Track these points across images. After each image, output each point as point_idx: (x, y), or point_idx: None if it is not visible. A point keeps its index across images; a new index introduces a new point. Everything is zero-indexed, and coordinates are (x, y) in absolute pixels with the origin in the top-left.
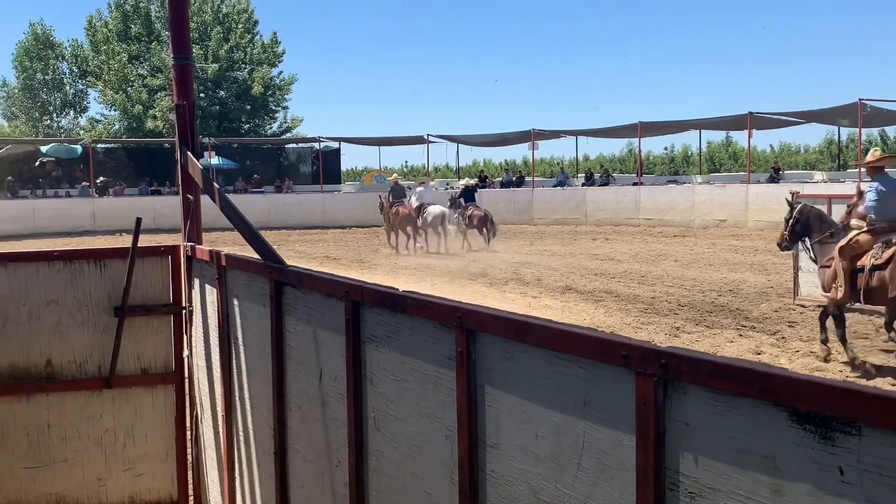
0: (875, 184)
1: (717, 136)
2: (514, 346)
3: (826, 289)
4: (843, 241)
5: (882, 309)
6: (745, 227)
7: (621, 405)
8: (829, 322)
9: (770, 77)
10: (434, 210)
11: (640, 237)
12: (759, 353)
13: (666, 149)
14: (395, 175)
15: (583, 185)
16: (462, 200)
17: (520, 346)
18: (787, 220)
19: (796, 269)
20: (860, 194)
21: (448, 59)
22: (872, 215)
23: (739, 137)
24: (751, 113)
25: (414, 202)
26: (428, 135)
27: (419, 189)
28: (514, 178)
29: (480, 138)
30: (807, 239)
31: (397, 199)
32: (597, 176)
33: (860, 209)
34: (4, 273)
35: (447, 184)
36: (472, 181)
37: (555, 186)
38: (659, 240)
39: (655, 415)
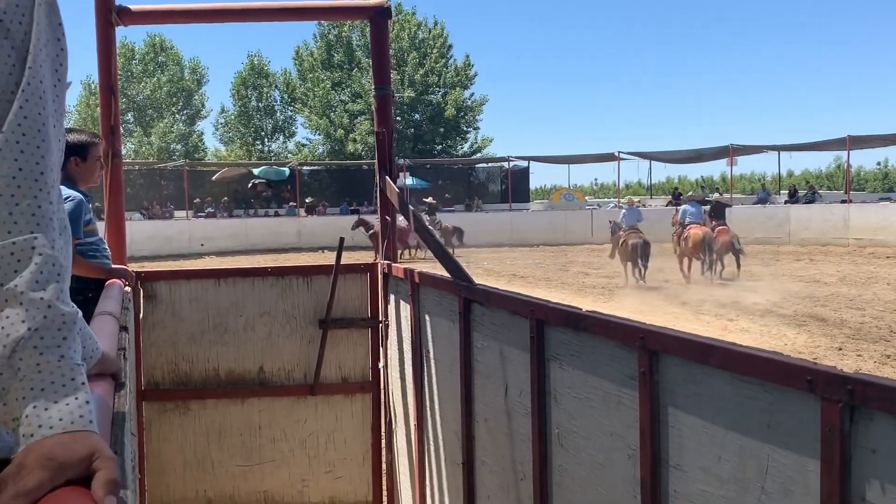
0: (623, 211)
1: None
2: (698, 368)
3: (611, 255)
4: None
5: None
6: None
7: (806, 430)
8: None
9: None
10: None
11: (849, 258)
12: None
13: (879, 164)
14: None
15: (786, 202)
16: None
17: (703, 367)
18: (612, 229)
19: None
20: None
21: (639, 72)
22: (623, 224)
23: None
24: None
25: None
26: (619, 152)
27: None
28: (710, 196)
29: (674, 154)
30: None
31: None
32: (801, 193)
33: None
34: (225, 287)
35: (639, 201)
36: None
37: (755, 204)
38: (870, 261)
39: (841, 441)
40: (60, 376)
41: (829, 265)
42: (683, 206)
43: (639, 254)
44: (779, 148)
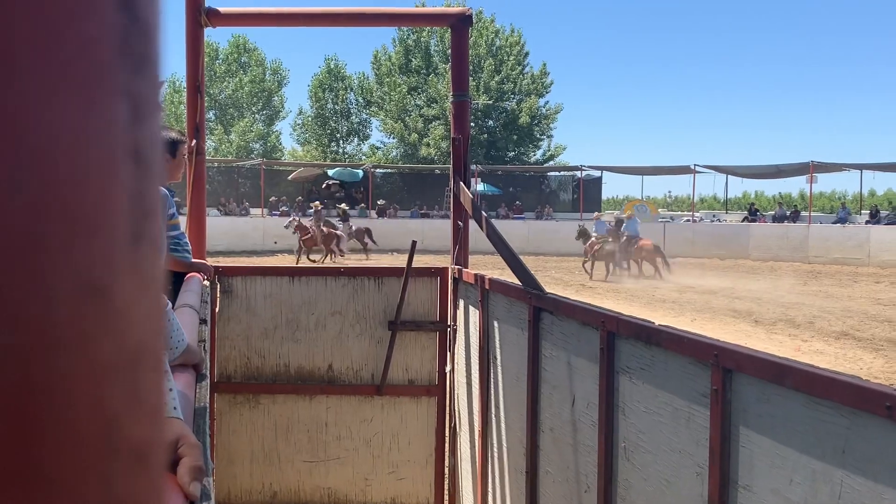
0: (594, 223)
1: None
2: (772, 388)
3: (585, 253)
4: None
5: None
6: None
7: (883, 457)
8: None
9: None
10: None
11: None
12: None
13: None
14: (316, 203)
15: (867, 222)
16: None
17: (777, 388)
18: (584, 233)
19: None
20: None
21: (718, 84)
22: (595, 233)
23: None
24: None
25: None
26: (695, 165)
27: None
28: (787, 213)
29: (752, 169)
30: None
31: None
32: (883, 213)
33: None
34: (298, 285)
35: (714, 216)
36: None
37: (834, 223)
38: None
39: None
40: None
41: None
42: (626, 223)
43: (614, 258)
44: (861, 166)
